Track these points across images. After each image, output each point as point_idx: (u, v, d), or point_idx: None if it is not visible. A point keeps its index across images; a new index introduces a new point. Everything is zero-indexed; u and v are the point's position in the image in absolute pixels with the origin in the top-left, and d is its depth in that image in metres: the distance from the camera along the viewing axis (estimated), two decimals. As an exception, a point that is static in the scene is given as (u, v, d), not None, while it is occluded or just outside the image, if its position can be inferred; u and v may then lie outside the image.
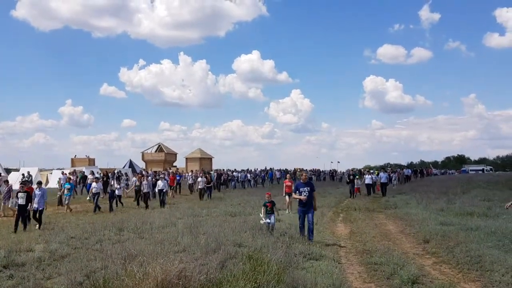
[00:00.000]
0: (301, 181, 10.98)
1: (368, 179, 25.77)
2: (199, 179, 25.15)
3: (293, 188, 12.79)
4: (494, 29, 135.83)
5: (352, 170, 32.27)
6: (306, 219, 10.44)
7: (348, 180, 25.94)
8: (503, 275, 7.20)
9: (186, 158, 65.15)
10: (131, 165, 52.38)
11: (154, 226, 12.53)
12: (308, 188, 10.50)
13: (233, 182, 35.45)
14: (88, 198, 20.50)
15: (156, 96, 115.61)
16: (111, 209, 18.32)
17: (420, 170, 55.61)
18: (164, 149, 63.03)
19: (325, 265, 8.04)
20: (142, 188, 20.13)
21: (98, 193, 18.76)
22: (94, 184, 19.15)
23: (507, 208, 10.55)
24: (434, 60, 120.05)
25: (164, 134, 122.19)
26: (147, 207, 19.23)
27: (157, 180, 22.13)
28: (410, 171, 45.90)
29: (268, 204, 11.10)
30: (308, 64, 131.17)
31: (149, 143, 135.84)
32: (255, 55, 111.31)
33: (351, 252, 9.60)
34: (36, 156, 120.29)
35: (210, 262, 7.19)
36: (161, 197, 20.20)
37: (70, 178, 21.76)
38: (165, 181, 21.07)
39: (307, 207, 10.42)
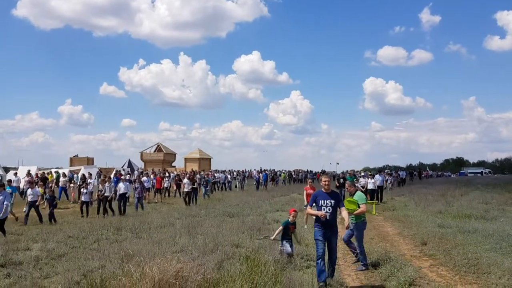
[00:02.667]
0: (323, 189, 7.13)
1: (371, 184, 21.41)
2: (185, 180, 21.91)
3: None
4: (494, 32, 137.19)
5: (343, 173, 26.73)
6: (327, 246, 6.97)
7: (337, 184, 20.08)
8: (500, 277, 7.21)
9: (185, 158, 65.10)
10: (130, 164, 52.36)
11: (152, 226, 12.53)
12: (332, 201, 6.93)
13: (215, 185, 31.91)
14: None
15: (156, 96, 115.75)
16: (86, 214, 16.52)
17: (418, 171, 55.28)
18: (163, 149, 62.91)
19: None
20: (103, 192, 17.04)
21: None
22: (30, 191, 15.00)
23: None
24: (435, 62, 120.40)
25: (164, 134, 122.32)
26: (104, 212, 16.75)
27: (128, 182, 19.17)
28: (404, 173, 43.56)
29: (291, 226, 8.46)
30: (309, 65, 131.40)
31: (148, 143, 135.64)
32: (255, 55, 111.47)
33: (348, 253, 9.59)
34: (35, 155, 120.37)
35: (207, 262, 7.20)
36: (120, 203, 17.29)
37: (10, 181, 18.48)
38: (127, 183, 17.87)
39: (329, 228, 6.93)
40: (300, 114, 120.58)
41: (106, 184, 17.10)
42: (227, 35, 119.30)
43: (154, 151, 62.96)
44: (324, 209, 6.81)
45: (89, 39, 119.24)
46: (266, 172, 37.87)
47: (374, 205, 9.83)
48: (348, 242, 8.88)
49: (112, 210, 16.93)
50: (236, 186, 34.16)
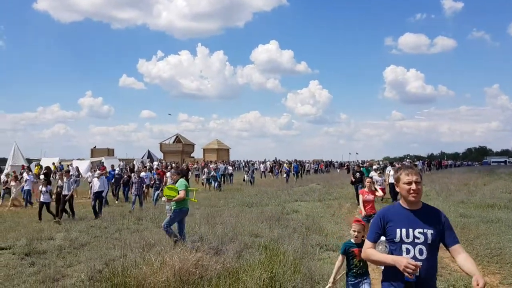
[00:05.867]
0: (404, 203, 3.10)
1: (392, 177, 16.13)
2: (168, 174, 17.10)
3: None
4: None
5: (358, 165, 20.52)
6: None
7: (353, 179, 16.77)
8: (524, 268, 7.06)
9: (204, 149, 65.52)
10: (150, 155, 52.99)
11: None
12: (430, 232, 2.97)
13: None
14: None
15: (174, 87, 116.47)
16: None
17: (436, 161, 53.96)
18: (181, 140, 63.43)
19: (342, 256, 8.01)
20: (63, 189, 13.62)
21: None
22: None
23: None
24: (458, 49, 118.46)
25: (182, 125, 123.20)
26: (56, 215, 13.13)
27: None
28: (421, 163, 41.17)
29: (354, 250, 4.64)
30: (328, 54, 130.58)
31: (167, 134, 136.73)
32: (273, 45, 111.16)
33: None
34: (57, 146, 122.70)
35: (226, 252, 7.23)
36: (94, 203, 14.18)
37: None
38: (103, 179, 14.90)
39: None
40: (319, 104, 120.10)
41: (65, 179, 13.63)
42: (245, 25, 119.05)
43: (173, 142, 63.53)
44: (409, 251, 2.97)
45: (108, 32, 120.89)
46: (297, 163, 35.53)
47: (195, 191, 9.47)
48: (169, 228, 8.58)
49: (67, 212, 13.53)
50: (244, 180, 29.33)
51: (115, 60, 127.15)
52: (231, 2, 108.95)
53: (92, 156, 47.88)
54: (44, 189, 13.52)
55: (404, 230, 2.99)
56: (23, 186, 17.89)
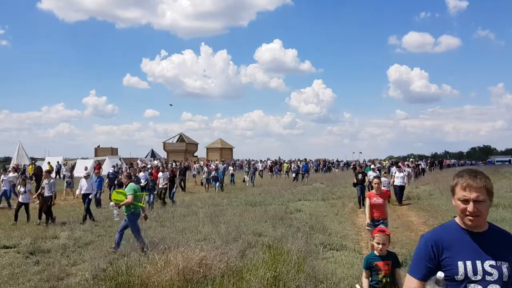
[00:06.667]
0: (462, 221, 2.22)
1: (399, 178, 16.06)
2: (160, 174, 17.20)
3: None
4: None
5: (359, 164, 17.94)
6: None
7: (355, 181, 15.77)
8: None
9: (207, 148, 65.56)
10: (153, 154, 53.10)
11: (175, 215, 12.66)
12: (505, 266, 2.12)
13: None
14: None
15: (178, 86, 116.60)
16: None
17: (439, 160, 53.43)
18: (185, 139, 63.46)
19: (346, 256, 8.00)
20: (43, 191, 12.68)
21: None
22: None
23: None
24: (463, 48, 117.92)
25: (186, 124, 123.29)
26: (40, 216, 12.53)
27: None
28: (424, 162, 39.58)
29: (379, 263, 4.29)
30: (332, 53, 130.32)
31: (171, 133, 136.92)
32: (276, 44, 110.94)
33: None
34: (61, 145, 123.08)
35: (230, 251, 7.23)
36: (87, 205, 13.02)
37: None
38: (91, 181, 13.80)
39: None
40: (323, 103, 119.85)
41: (45, 180, 12.84)
42: (249, 24, 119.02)
43: (177, 141, 63.57)
44: None
45: (112, 31, 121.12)
46: (307, 162, 32.05)
47: (144, 196, 9.10)
48: (121, 232, 8.57)
49: (46, 214, 12.36)
50: (244, 181, 27.55)
51: (119, 60, 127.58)
52: (235, 2, 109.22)
53: (96, 155, 47.99)
54: (22, 189, 12.91)
55: (469, 264, 2.10)
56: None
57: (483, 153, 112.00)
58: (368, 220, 7.68)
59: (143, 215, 8.89)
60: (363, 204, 14.50)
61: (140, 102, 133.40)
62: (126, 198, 8.36)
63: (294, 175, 29.68)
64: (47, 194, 12.38)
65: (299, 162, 34.39)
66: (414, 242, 9.08)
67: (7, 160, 39.05)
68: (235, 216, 11.85)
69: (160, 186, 16.70)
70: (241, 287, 5.47)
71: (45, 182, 12.73)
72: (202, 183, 24.91)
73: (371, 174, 15.80)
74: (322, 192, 19.93)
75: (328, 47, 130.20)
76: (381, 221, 7.56)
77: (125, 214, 8.48)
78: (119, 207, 8.69)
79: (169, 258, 6.11)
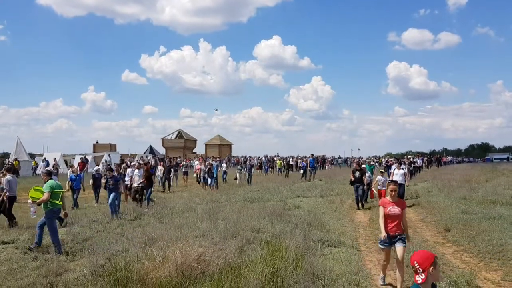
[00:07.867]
0: None
1: (398, 175, 15.04)
2: (136, 171, 15.61)
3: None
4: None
5: (357, 162, 17.35)
6: None
7: (352, 179, 15.03)
8: (526, 265, 7.05)
9: (206, 145, 65.60)
10: (152, 151, 53.06)
11: (174, 211, 12.67)
12: None
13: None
14: None
15: (177, 82, 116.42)
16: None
17: (436, 158, 53.05)
18: (184, 136, 63.45)
19: (344, 252, 8.03)
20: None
21: None
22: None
23: None
24: (462, 45, 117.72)
25: (185, 120, 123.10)
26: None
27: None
28: (420, 160, 38.20)
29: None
30: (331, 50, 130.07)
31: (169, 129, 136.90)
32: (276, 40, 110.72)
33: (370, 239, 9.54)
34: (59, 141, 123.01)
35: (228, 247, 7.24)
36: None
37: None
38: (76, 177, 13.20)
39: None
40: (322, 100, 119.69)
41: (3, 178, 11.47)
42: (248, 21, 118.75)
43: (175, 138, 63.56)
44: None
45: (111, 27, 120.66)
46: (313, 158, 29.81)
47: (61, 193, 8.74)
48: (40, 228, 8.42)
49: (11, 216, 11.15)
50: (235, 178, 25.99)
51: (118, 55, 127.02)
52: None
53: (94, 151, 47.96)
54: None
55: None
56: None
57: (481, 150, 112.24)
58: (383, 233, 6.16)
59: (63, 212, 8.85)
60: (363, 205, 14.72)
61: (139, 98, 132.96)
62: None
63: (302, 171, 28.13)
64: (9, 194, 11.05)
65: (302, 158, 33.26)
66: (412, 239, 9.12)
67: (6, 155, 38.93)
68: (234, 212, 11.86)
69: (135, 185, 15.26)
70: (239, 283, 5.49)
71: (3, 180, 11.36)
72: (197, 181, 24.21)
73: (380, 179, 14.59)
74: (321, 188, 19.97)
75: (328, 43, 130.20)
76: (398, 236, 6.14)
77: (44, 210, 8.33)
78: (38, 205, 8.60)
79: (168, 254, 6.13)
